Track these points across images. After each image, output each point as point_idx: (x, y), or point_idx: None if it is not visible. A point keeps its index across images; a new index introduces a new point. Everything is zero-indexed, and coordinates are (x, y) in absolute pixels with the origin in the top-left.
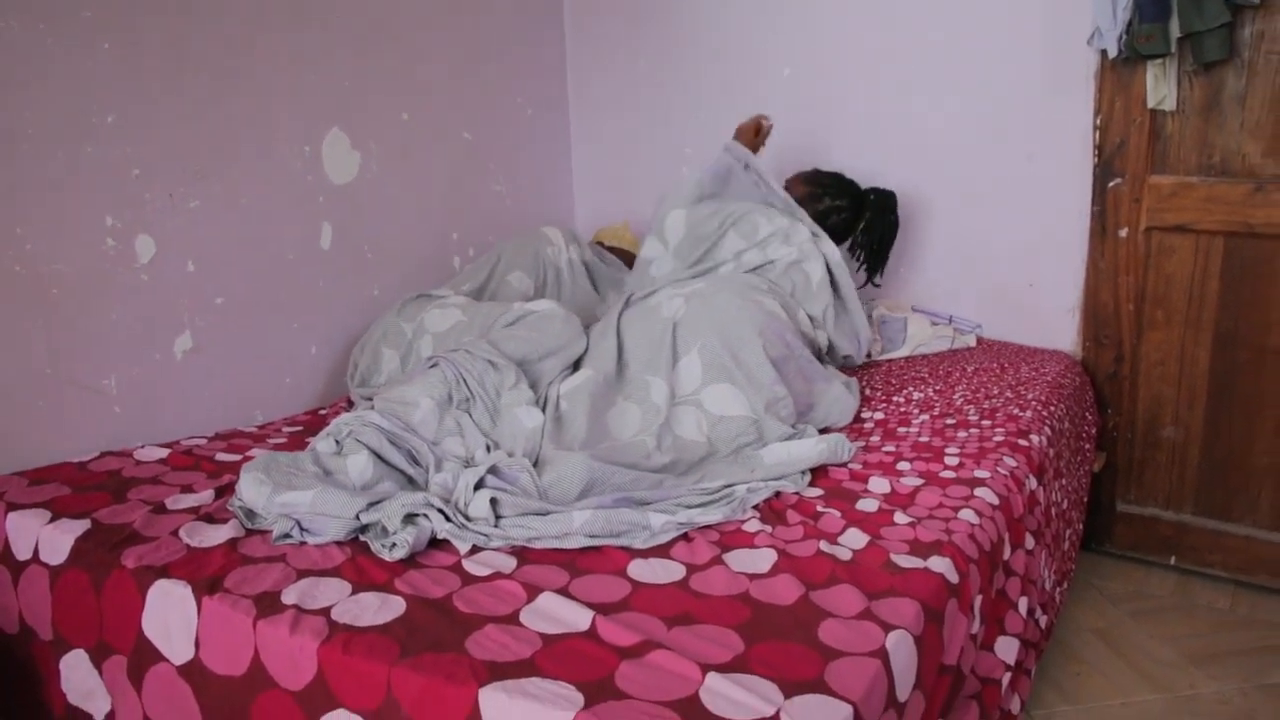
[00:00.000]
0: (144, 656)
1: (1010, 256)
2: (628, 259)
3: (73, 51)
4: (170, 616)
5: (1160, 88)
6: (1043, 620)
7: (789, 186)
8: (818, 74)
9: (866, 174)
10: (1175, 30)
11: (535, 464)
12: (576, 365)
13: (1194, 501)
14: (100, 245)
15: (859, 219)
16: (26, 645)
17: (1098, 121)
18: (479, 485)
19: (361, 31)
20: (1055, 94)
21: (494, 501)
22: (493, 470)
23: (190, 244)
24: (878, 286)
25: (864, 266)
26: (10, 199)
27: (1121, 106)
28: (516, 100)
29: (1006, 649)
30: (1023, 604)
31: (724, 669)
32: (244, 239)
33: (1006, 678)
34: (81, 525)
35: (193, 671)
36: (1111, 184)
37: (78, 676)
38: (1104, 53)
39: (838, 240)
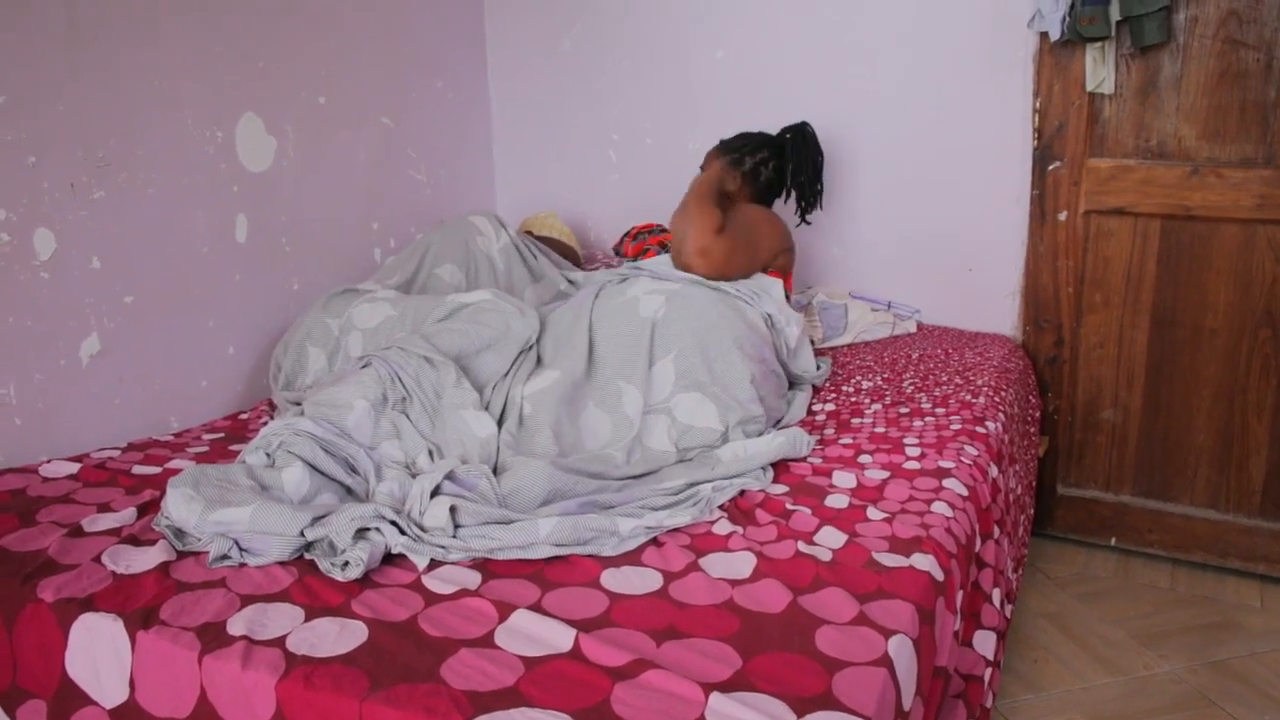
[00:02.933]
0: (68, 700)
1: (949, 241)
2: (559, 248)
3: None
4: (99, 654)
5: (1099, 71)
6: (1008, 610)
7: (707, 164)
8: (751, 56)
9: None
10: (1115, 13)
11: (494, 470)
12: (539, 358)
13: (1133, 482)
14: None
15: (785, 161)
16: None
17: (1037, 105)
18: (435, 492)
19: (274, 8)
20: (994, 77)
21: (452, 510)
22: (449, 476)
23: (95, 238)
24: (809, 225)
25: (799, 208)
26: None
27: (1060, 89)
28: (436, 84)
29: (984, 643)
30: (996, 596)
31: (726, 687)
32: (154, 232)
33: (988, 673)
34: None
35: (128, 715)
36: (1051, 167)
37: None
38: (1043, 36)
39: (777, 190)
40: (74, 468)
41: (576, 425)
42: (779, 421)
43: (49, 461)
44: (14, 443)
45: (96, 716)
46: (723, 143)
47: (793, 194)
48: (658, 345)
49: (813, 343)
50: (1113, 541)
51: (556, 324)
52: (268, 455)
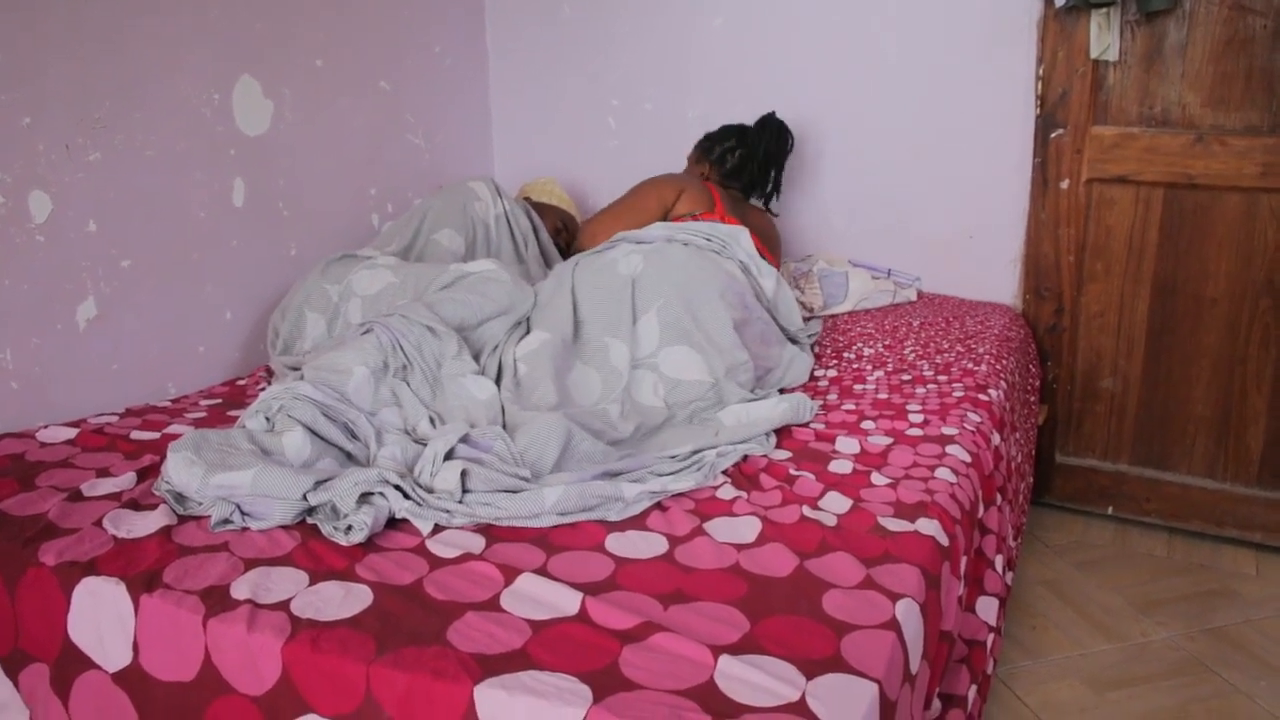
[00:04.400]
0: (70, 664)
1: (950, 209)
2: (558, 215)
3: None
4: (101, 618)
5: (1103, 37)
6: (1008, 577)
7: (691, 156)
8: (751, 24)
9: (802, 125)
10: None
11: (505, 429)
12: (527, 327)
13: (1131, 451)
14: None
15: (754, 149)
16: None
17: (1040, 72)
18: (449, 455)
19: None
20: (997, 44)
21: (463, 474)
22: (463, 439)
23: (91, 201)
24: (775, 215)
25: (762, 196)
26: None
27: (1064, 57)
28: (435, 49)
29: (987, 609)
30: (998, 562)
31: (735, 650)
32: (151, 195)
33: (990, 639)
34: None
35: (131, 678)
36: (1053, 135)
37: None
38: (1048, 2)
39: (746, 176)
40: (72, 433)
41: (568, 383)
42: (775, 377)
43: (46, 427)
44: (11, 407)
45: (99, 680)
46: (705, 134)
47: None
48: (640, 300)
49: (813, 310)
50: (1110, 510)
51: (539, 293)
52: (267, 419)
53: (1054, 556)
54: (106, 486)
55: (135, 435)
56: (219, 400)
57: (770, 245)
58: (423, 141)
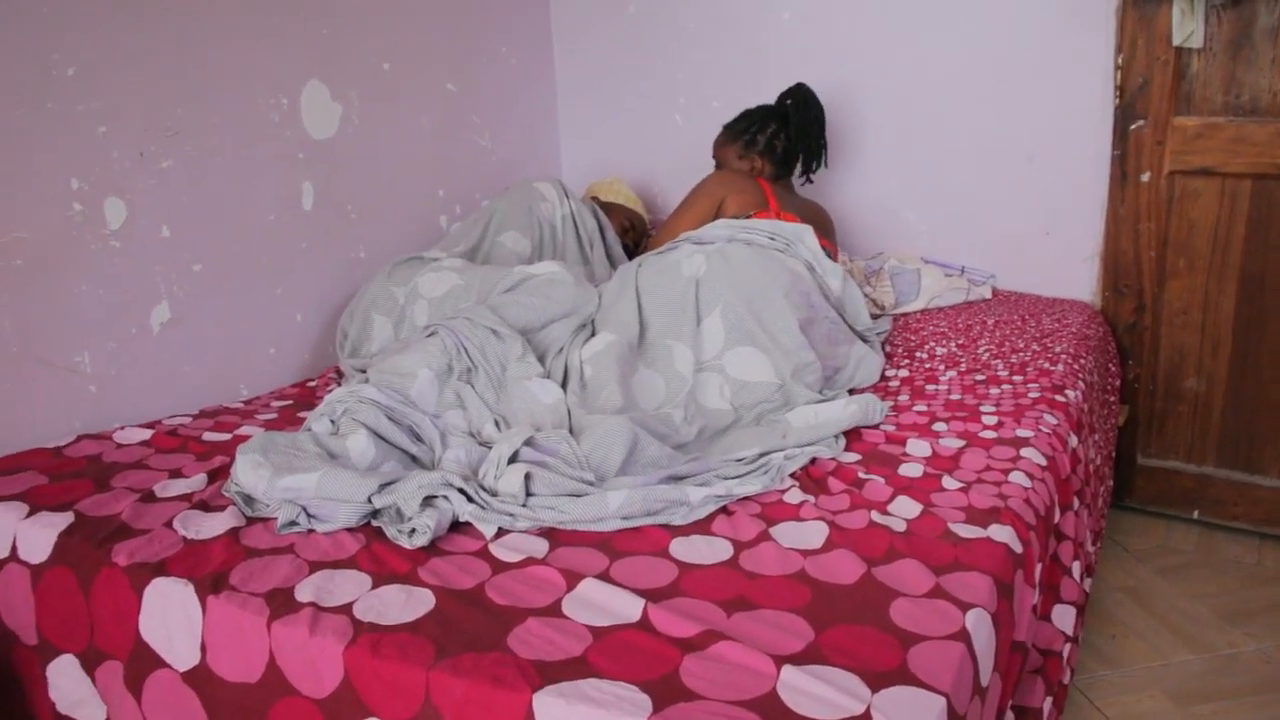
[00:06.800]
0: (142, 662)
1: (1025, 203)
2: (625, 214)
3: None
4: (171, 618)
5: (1187, 24)
6: (1086, 584)
7: (722, 156)
8: (820, 17)
9: (871, 117)
10: None
11: (570, 433)
12: (591, 329)
13: (1217, 453)
14: (66, 210)
15: (804, 129)
16: (9, 651)
17: (1119, 61)
18: (513, 458)
19: None
20: (1074, 32)
21: (527, 477)
22: (528, 442)
23: (164, 207)
24: (810, 183)
25: (804, 169)
26: None
27: (1144, 44)
28: (500, 50)
29: (1063, 618)
30: (1075, 569)
31: (798, 660)
32: (221, 200)
33: (1067, 649)
34: (64, 518)
35: (199, 678)
36: (1133, 126)
37: (67, 684)
38: None
39: (794, 158)
40: (146, 434)
41: (630, 388)
42: (844, 376)
43: (122, 428)
44: (89, 410)
45: (170, 679)
46: (727, 129)
47: (798, 153)
48: (703, 301)
49: (884, 309)
50: (1195, 514)
51: (603, 294)
52: (332, 422)
53: (1135, 562)
54: (178, 487)
55: (207, 436)
56: (290, 401)
57: (828, 234)
58: (489, 143)
